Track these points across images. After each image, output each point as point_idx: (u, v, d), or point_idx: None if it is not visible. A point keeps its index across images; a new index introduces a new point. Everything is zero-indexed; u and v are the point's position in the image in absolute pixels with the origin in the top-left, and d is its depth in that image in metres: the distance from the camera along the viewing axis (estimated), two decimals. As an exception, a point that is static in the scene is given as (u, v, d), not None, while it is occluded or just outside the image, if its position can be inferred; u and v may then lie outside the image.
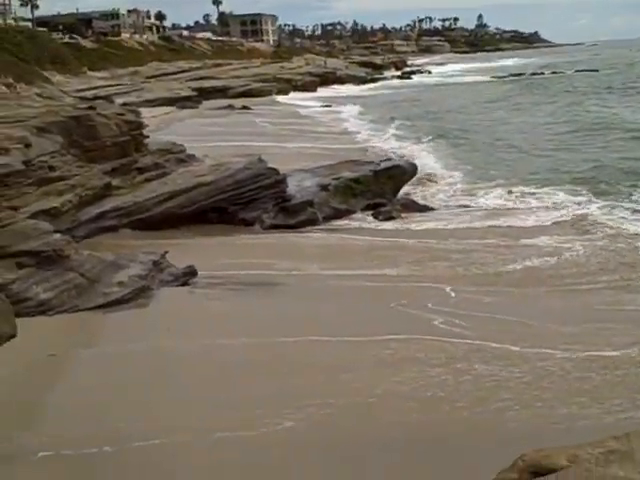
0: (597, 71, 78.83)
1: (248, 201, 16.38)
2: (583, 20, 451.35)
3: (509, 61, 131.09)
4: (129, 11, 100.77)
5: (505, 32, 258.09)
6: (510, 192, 18.77)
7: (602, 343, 8.62)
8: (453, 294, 10.91)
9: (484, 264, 12.81)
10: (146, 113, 25.39)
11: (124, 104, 28.91)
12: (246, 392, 7.42)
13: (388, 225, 16.10)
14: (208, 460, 6.21)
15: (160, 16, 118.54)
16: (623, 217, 15.96)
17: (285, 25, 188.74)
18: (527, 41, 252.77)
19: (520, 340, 8.74)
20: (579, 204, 17.30)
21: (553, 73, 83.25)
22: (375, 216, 16.59)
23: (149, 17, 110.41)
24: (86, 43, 68.21)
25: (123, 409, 7.00)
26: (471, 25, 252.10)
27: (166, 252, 11.50)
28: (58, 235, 10.38)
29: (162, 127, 30.20)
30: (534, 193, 18.69)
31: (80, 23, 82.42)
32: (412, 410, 7.07)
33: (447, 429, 6.70)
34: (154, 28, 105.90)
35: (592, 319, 9.76)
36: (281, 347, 8.64)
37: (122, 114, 17.54)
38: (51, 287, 9.31)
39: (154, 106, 40.99)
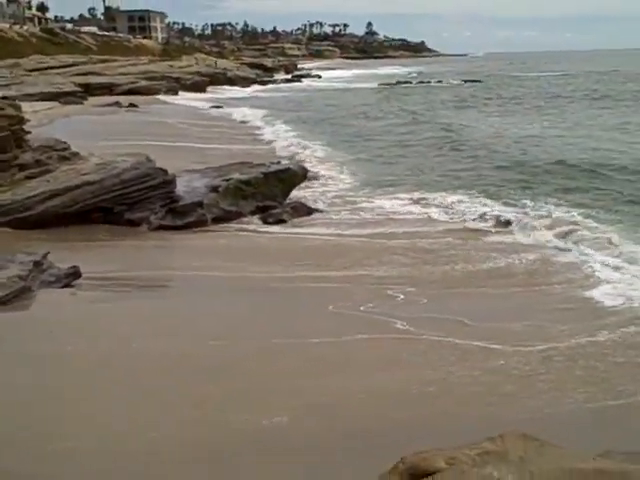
0: (481, 82, 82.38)
1: (135, 201, 16.01)
2: (468, 32, 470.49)
3: (397, 69, 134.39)
4: (8, 0, 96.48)
5: (394, 40, 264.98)
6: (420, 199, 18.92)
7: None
8: (401, 296, 10.95)
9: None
10: (27, 107, 24.32)
11: (3, 97, 27.57)
12: (164, 398, 7.15)
13: (279, 228, 16.11)
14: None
15: (42, 7, 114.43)
16: (540, 216, 16.63)
17: (174, 23, 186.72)
18: (415, 50, 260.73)
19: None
20: (492, 208, 17.71)
21: (438, 82, 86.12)
22: (264, 219, 16.55)
23: (30, 8, 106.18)
24: (-39, 32, 64.82)
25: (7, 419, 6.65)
26: (360, 32, 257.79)
27: (48, 253, 11.09)
28: None
29: (45, 123, 29.08)
30: (436, 199, 18.92)
31: (-45, 11, 78.22)
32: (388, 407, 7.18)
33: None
34: (36, 19, 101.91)
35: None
36: (200, 350, 8.39)
37: (1, 108, 16.79)
38: None
39: (36, 100, 39.32)
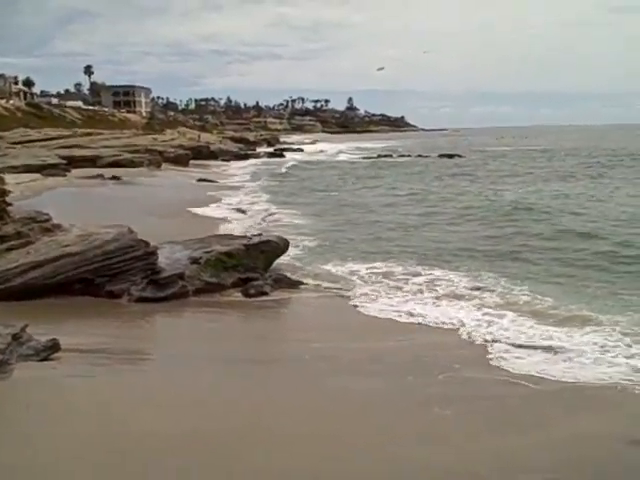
0: (462, 157, 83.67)
1: (116, 273, 15.97)
2: (446, 108, 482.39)
3: (377, 143, 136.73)
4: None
5: (374, 115, 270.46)
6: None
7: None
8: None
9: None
10: (10, 180, 24.41)
11: (-14, 170, 27.73)
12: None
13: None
14: None
15: (28, 82, 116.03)
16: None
17: (159, 98, 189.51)
18: (395, 125, 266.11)
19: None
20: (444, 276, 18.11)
21: (418, 156, 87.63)
22: (245, 291, 16.51)
23: (16, 83, 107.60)
24: (-54, 105, 65.45)
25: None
26: (342, 107, 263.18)
27: (26, 325, 10.95)
28: None
29: (28, 195, 29.17)
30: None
31: (-59, 85, 79.14)
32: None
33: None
34: (21, 94, 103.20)
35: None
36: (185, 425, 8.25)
37: (-16, 180, 16.87)
38: None
39: (19, 172, 39.48)
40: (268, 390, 10.05)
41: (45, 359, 10.45)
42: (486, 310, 14.80)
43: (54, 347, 10.74)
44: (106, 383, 9.94)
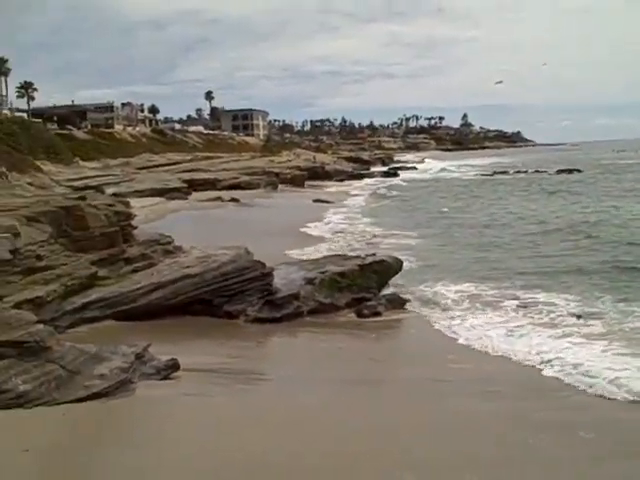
0: (581, 172, 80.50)
1: (234, 293, 16.41)
2: (565, 122, 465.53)
3: (492, 159, 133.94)
4: (123, 104, 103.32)
5: (489, 131, 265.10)
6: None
7: None
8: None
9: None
10: (135, 203, 25.62)
11: (114, 194, 29.23)
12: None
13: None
14: None
15: (153, 109, 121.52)
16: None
17: (275, 120, 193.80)
18: (510, 140, 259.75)
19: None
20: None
21: (536, 172, 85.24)
22: (359, 312, 16.48)
23: (142, 110, 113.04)
24: (79, 134, 69.55)
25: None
26: (456, 124, 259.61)
27: (149, 345, 11.39)
28: (41, 325, 10.28)
29: (152, 218, 30.44)
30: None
31: (75, 115, 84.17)
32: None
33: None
34: (147, 121, 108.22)
35: None
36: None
37: (112, 205, 17.72)
38: (31, 379, 9.13)
39: (144, 196, 41.40)
40: (376, 409, 10.05)
41: (165, 377, 10.82)
42: (582, 340, 13.93)
43: (174, 366, 11.10)
44: (222, 402, 10.16)
